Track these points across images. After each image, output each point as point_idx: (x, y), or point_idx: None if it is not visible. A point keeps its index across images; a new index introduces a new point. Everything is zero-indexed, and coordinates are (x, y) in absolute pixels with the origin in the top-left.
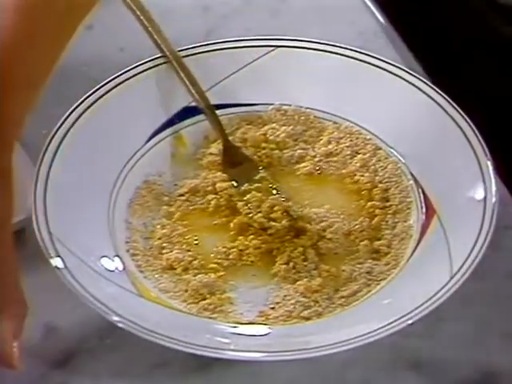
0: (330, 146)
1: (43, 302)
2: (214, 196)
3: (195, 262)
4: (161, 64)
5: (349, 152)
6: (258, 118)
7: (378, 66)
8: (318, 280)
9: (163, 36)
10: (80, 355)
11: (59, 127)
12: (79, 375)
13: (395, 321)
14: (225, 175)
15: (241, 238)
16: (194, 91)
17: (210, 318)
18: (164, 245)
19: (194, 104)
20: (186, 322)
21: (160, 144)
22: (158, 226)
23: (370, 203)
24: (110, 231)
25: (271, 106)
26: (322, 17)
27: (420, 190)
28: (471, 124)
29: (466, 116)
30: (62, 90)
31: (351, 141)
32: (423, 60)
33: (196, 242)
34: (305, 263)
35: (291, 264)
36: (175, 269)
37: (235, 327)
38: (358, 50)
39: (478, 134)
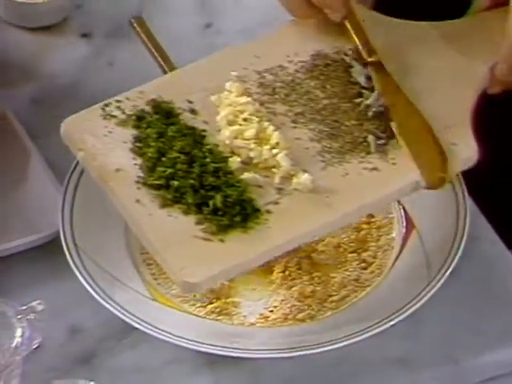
0: None
1: (68, 306)
2: None
3: None
4: None
5: None
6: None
7: None
8: (310, 287)
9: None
10: (101, 354)
11: None
12: (100, 371)
13: (380, 322)
14: None
15: None
16: None
17: (217, 319)
18: None
19: None
20: (195, 323)
21: None
22: None
23: None
24: (127, 244)
25: None
26: None
27: (401, 208)
28: None
29: None
30: None
31: None
32: None
33: None
34: (299, 272)
35: (287, 272)
36: None
37: (239, 328)
38: None
39: None
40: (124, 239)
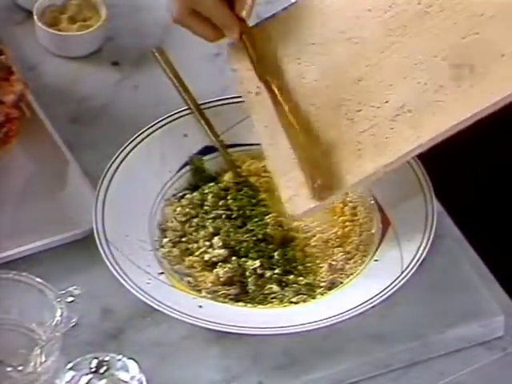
0: None
1: (101, 291)
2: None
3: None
4: (187, 114)
5: None
6: (260, 154)
7: None
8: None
9: (189, 92)
10: (128, 331)
11: (113, 162)
12: (127, 345)
13: (361, 304)
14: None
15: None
16: (211, 134)
17: (223, 302)
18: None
19: (211, 144)
20: (205, 305)
21: (187, 174)
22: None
23: (342, 218)
24: (150, 239)
25: None
26: None
27: (379, 208)
28: (417, 161)
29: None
30: (114, 133)
31: None
32: None
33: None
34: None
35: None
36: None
37: (242, 309)
38: None
39: (423, 168)
40: (148, 235)
